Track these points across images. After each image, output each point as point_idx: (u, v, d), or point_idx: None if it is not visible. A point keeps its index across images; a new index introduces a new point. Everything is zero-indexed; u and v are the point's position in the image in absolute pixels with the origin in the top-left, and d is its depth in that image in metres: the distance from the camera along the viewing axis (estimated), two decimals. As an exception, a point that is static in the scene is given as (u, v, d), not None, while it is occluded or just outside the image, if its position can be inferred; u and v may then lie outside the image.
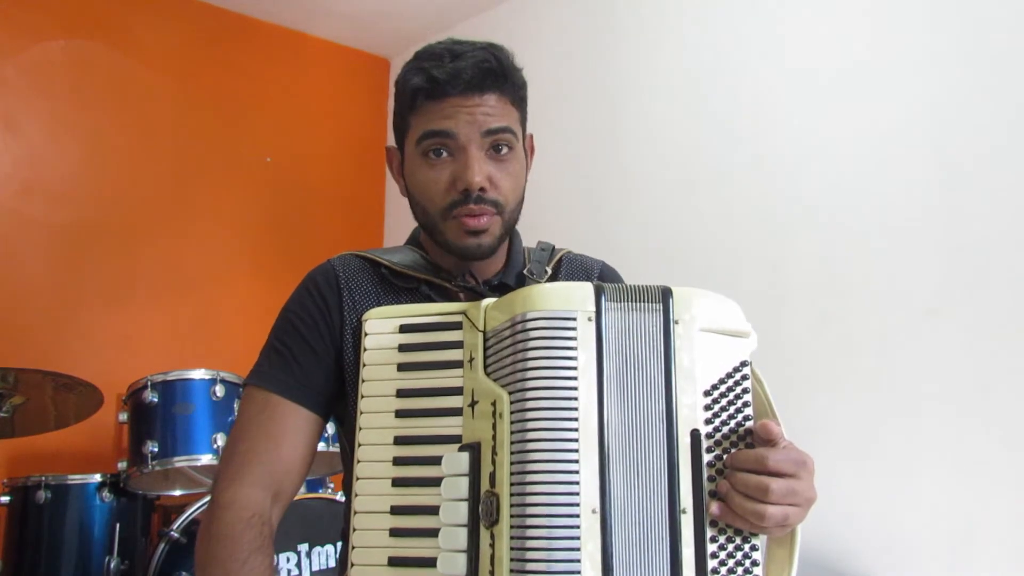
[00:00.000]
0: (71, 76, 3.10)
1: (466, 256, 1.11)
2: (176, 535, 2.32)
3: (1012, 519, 1.87)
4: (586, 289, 0.89)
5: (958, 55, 2.09)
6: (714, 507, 0.85)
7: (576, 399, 0.85)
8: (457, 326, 0.96)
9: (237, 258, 3.42)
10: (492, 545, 0.84)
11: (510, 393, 0.87)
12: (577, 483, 0.83)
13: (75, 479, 2.40)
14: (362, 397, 0.98)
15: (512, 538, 0.83)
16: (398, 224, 3.74)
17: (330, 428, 2.27)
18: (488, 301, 0.95)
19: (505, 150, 1.08)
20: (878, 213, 2.19)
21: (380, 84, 3.93)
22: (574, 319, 0.87)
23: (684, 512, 0.84)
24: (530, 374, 0.86)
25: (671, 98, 2.77)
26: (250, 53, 3.56)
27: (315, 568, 2.26)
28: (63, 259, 3.01)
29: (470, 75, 1.04)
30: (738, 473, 0.86)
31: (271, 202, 3.55)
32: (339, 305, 1.12)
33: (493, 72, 1.06)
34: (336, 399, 1.13)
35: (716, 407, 0.88)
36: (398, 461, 0.95)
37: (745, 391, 0.89)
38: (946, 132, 2.08)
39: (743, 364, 0.90)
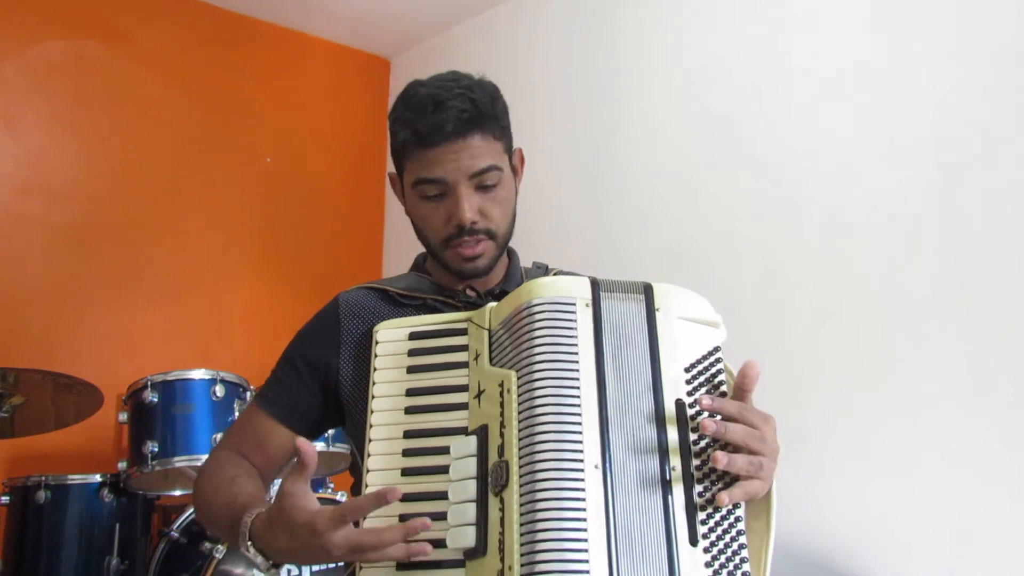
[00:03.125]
0: (71, 76, 3.10)
1: (466, 276, 1.23)
2: (176, 535, 2.32)
3: (1012, 519, 1.87)
4: (583, 281, 1.01)
5: (958, 54, 2.09)
6: (721, 457, 0.91)
7: (578, 371, 0.94)
8: (463, 332, 1.06)
9: (237, 258, 3.42)
10: (501, 509, 0.91)
11: (517, 371, 0.96)
12: (581, 442, 0.91)
13: (75, 479, 2.40)
14: (373, 398, 1.05)
15: (522, 495, 0.89)
16: (398, 224, 3.74)
17: (330, 430, 2.28)
18: (492, 304, 1.06)
19: (492, 181, 1.18)
20: (878, 213, 2.19)
21: (380, 84, 3.93)
22: (574, 304, 0.98)
23: (674, 470, 0.93)
24: (536, 351, 0.95)
25: (671, 98, 2.77)
26: (250, 53, 3.56)
27: (315, 568, 2.26)
28: (63, 259, 3.01)
29: (452, 127, 1.13)
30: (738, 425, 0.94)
31: (271, 202, 3.55)
32: (336, 333, 1.21)
33: (473, 119, 1.15)
34: (325, 423, 1.25)
35: (695, 383, 0.98)
36: (407, 452, 1.01)
37: (720, 371, 1.00)
38: (946, 131, 2.09)
39: (716, 349, 1.01)
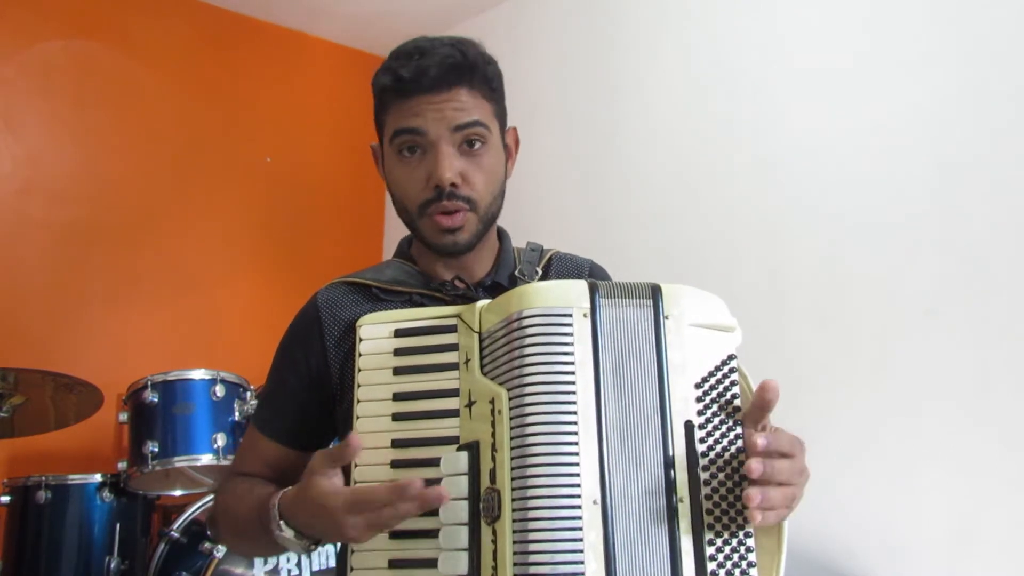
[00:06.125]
0: (71, 76, 3.10)
1: (444, 253, 1.12)
2: (176, 535, 2.32)
3: (1012, 519, 1.87)
4: (581, 286, 0.90)
5: (957, 54, 2.09)
6: (754, 466, 0.85)
7: (574, 392, 0.86)
8: (452, 329, 0.97)
9: (237, 258, 3.42)
10: (494, 541, 0.85)
11: (508, 390, 0.88)
12: (578, 475, 0.83)
13: (75, 479, 2.40)
14: (358, 402, 0.98)
15: (515, 532, 0.83)
16: (398, 224, 3.72)
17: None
18: (483, 303, 0.96)
19: (478, 144, 1.08)
20: (878, 212, 2.19)
21: (380, 84, 3.93)
22: (570, 315, 0.88)
23: (681, 501, 0.85)
24: (528, 369, 0.87)
25: (671, 98, 2.77)
26: (250, 53, 3.56)
27: (315, 568, 2.26)
28: (63, 259, 3.01)
29: (436, 72, 1.05)
30: (778, 461, 0.87)
31: (271, 202, 3.55)
32: (320, 337, 1.14)
33: (459, 66, 1.06)
34: (320, 430, 1.19)
35: (707, 399, 0.89)
36: (396, 464, 0.95)
37: (734, 383, 0.91)
38: (945, 131, 2.08)
39: (730, 357, 0.91)
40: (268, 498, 0.98)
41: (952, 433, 1.99)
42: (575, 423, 0.85)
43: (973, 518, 1.93)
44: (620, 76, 2.94)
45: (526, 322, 0.88)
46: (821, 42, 2.38)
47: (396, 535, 0.92)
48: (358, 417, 0.98)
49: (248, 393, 2.52)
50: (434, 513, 0.89)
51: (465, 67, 1.07)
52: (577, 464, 0.84)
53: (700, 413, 0.89)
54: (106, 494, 2.42)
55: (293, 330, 1.19)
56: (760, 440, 0.85)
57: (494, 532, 0.85)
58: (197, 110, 3.38)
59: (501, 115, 1.15)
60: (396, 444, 0.95)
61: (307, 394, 1.15)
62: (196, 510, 2.38)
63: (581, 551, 0.81)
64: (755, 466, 0.83)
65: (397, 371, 0.98)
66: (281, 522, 0.94)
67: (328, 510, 0.87)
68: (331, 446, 1.21)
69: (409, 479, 0.82)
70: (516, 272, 1.19)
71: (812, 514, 2.17)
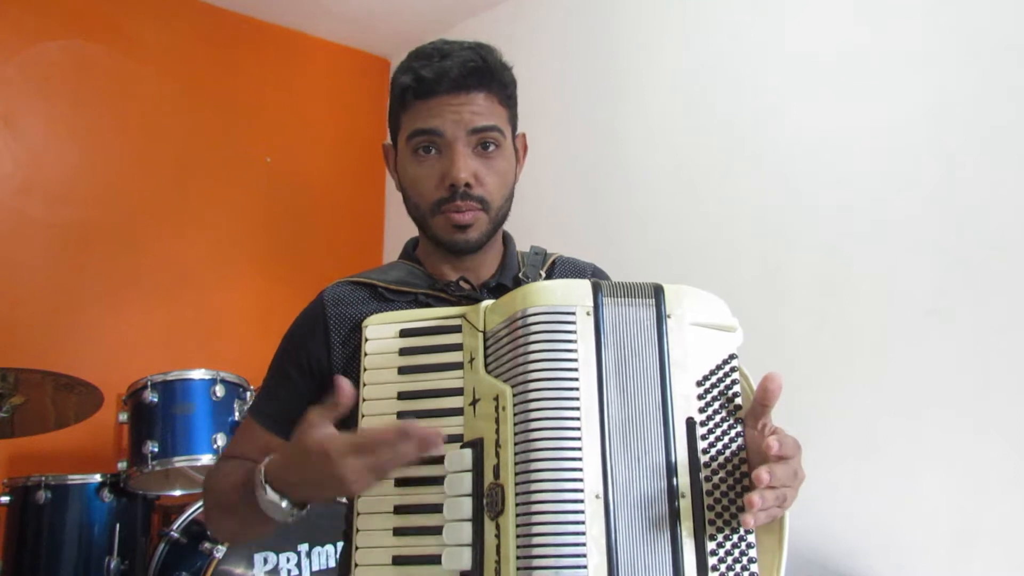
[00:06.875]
0: (71, 76, 3.10)
1: (454, 250, 1.14)
2: (176, 535, 2.32)
3: (1012, 519, 1.87)
4: (584, 285, 0.91)
5: (959, 52, 2.09)
6: (766, 468, 0.85)
7: (577, 389, 0.87)
8: (457, 329, 0.98)
9: (237, 258, 3.42)
10: (497, 536, 0.86)
11: (513, 387, 0.89)
12: (580, 470, 0.85)
13: (75, 479, 2.40)
14: (363, 401, 0.99)
15: (518, 526, 0.84)
16: (398, 224, 3.74)
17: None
18: (487, 303, 0.98)
19: (492, 148, 1.11)
20: (878, 212, 2.19)
21: (380, 84, 3.93)
22: (573, 313, 0.89)
23: (683, 496, 0.86)
24: (532, 366, 0.88)
25: (671, 97, 2.77)
26: (250, 53, 3.56)
27: (315, 568, 2.26)
28: (63, 259, 3.01)
29: (456, 74, 1.07)
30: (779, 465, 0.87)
31: (271, 202, 3.55)
32: (325, 334, 1.14)
33: (479, 71, 1.09)
34: None
35: (708, 396, 0.91)
36: None
37: (735, 382, 0.92)
38: (947, 131, 2.09)
39: (731, 357, 0.93)
40: (255, 467, 0.98)
41: (952, 432, 1.99)
42: (578, 419, 0.86)
43: (974, 518, 1.93)
44: (620, 76, 2.94)
45: (530, 320, 0.89)
46: (821, 42, 2.38)
47: (400, 532, 0.93)
48: (363, 416, 0.99)
49: (248, 393, 2.52)
50: (438, 510, 0.91)
51: (485, 72, 1.09)
52: (580, 459, 0.85)
53: (701, 411, 0.90)
54: (106, 494, 2.42)
55: (298, 325, 1.19)
56: (774, 444, 0.86)
57: (497, 527, 0.86)
58: (197, 110, 3.38)
59: (514, 120, 1.18)
60: None
61: (309, 389, 1.15)
62: (196, 510, 2.38)
63: (584, 544, 0.82)
64: (764, 475, 0.84)
65: (402, 370, 0.99)
66: (267, 485, 0.94)
67: (327, 454, 0.86)
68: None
69: (409, 422, 0.85)
70: (520, 275, 1.20)
71: (812, 514, 2.18)
